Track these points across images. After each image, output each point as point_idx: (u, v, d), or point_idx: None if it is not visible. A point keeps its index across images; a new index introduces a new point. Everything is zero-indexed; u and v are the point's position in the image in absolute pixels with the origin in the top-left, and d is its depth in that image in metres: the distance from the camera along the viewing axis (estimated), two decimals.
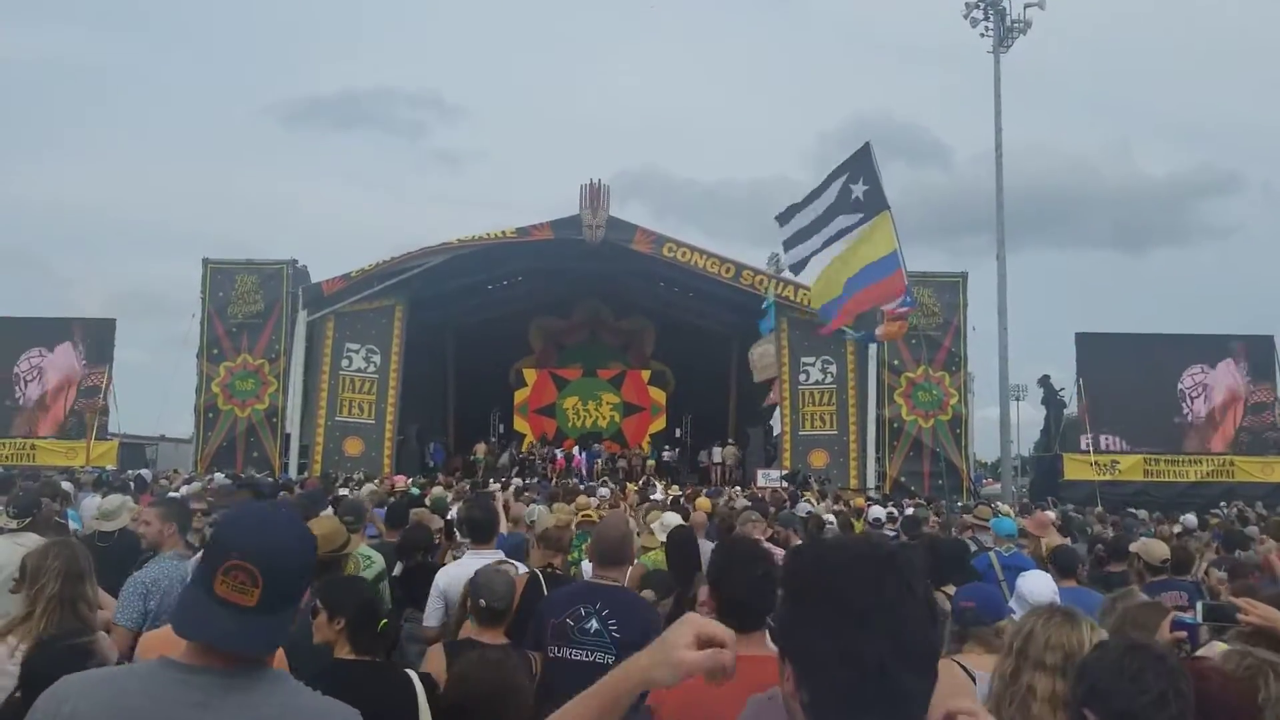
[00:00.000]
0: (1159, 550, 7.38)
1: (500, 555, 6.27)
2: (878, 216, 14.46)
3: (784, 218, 15.48)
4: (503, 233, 29.20)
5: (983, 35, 29.42)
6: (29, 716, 2.00)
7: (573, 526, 5.81)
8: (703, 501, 11.85)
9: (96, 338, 32.19)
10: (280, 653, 3.70)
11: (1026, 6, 28.91)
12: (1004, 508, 17.61)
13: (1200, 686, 2.45)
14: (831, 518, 11.31)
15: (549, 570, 5.35)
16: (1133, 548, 7.47)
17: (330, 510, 7.95)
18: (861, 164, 14.95)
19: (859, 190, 14.78)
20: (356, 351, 29.62)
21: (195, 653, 2.05)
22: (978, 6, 29.36)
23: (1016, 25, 29.13)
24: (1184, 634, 3.04)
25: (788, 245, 15.56)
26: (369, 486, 14.72)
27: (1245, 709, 2.52)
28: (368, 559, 6.16)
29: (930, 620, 1.50)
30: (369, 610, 3.78)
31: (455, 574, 5.55)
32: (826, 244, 14.92)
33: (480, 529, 6.25)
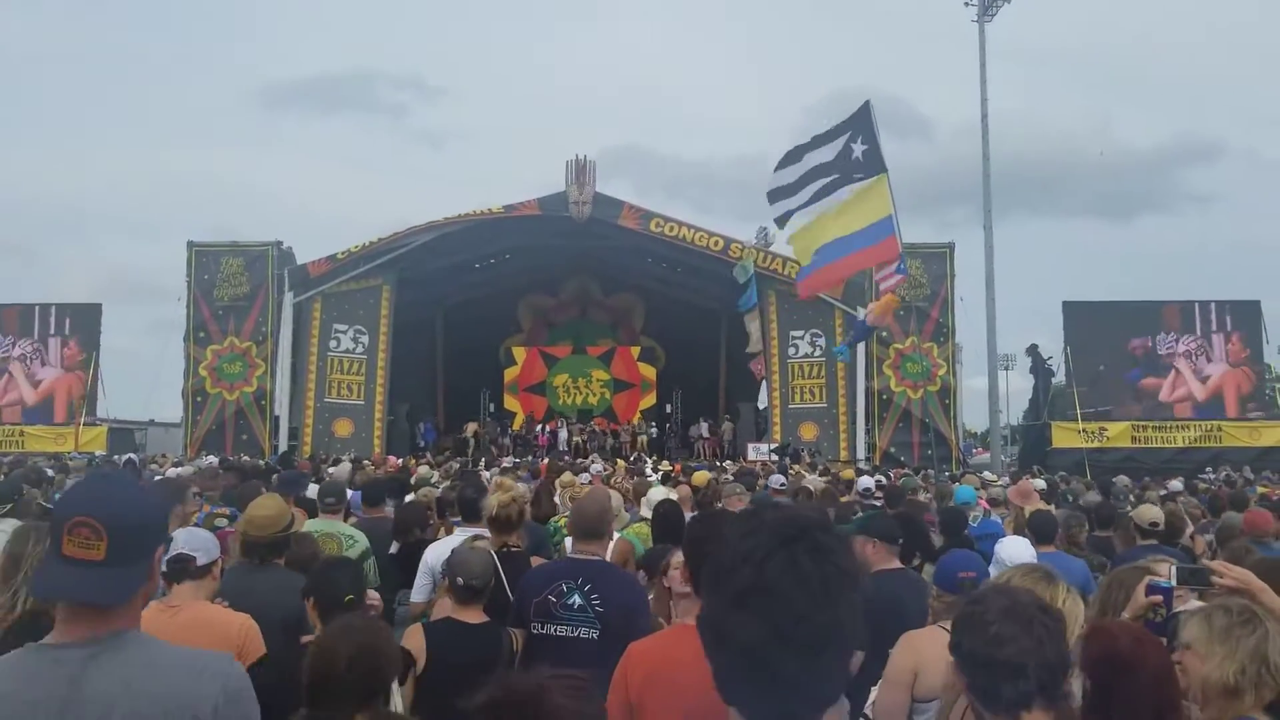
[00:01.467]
0: (1149, 514, 7.47)
1: (486, 533, 6.30)
2: (874, 179, 14.15)
3: (780, 165, 14.97)
4: (489, 210, 29.08)
5: (967, 4, 29.32)
6: None
7: (522, 505, 5.83)
8: (699, 476, 11.81)
9: (83, 323, 32.06)
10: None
11: None
12: (991, 476, 17.73)
13: (1110, 645, 2.47)
14: (812, 488, 11.32)
15: (504, 550, 5.33)
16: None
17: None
18: (862, 123, 14.61)
19: (859, 150, 14.45)
20: (344, 332, 29.54)
21: (59, 631, 2.12)
22: None
23: None
24: (1159, 598, 3.05)
25: (773, 197, 15.05)
26: (345, 465, 14.68)
27: (1158, 666, 2.55)
28: (350, 539, 6.17)
29: (822, 603, 1.43)
30: (329, 588, 3.78)
31: (442, 551, 5.56)
32: (815, 198, 14.50)
33: (470, 507, 6.30)
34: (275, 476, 10.17)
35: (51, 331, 31.89)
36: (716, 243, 29.29)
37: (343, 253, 29.36)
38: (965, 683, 2.23)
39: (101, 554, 2.07)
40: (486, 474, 13.41)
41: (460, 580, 4.29)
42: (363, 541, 6.20)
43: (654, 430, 34.60)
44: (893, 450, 28.89)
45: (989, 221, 28.84)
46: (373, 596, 4.12)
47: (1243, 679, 2.63)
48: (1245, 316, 32.14)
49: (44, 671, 2.08)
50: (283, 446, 27.42)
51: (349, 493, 7.58)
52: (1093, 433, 29.78)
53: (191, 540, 4.15)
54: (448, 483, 10.60)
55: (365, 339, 29.58)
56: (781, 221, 15.46)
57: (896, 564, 5.07)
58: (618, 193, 29.55)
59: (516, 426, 35.08)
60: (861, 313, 28.48)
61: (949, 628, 3.84)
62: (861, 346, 29.02)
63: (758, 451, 27.72)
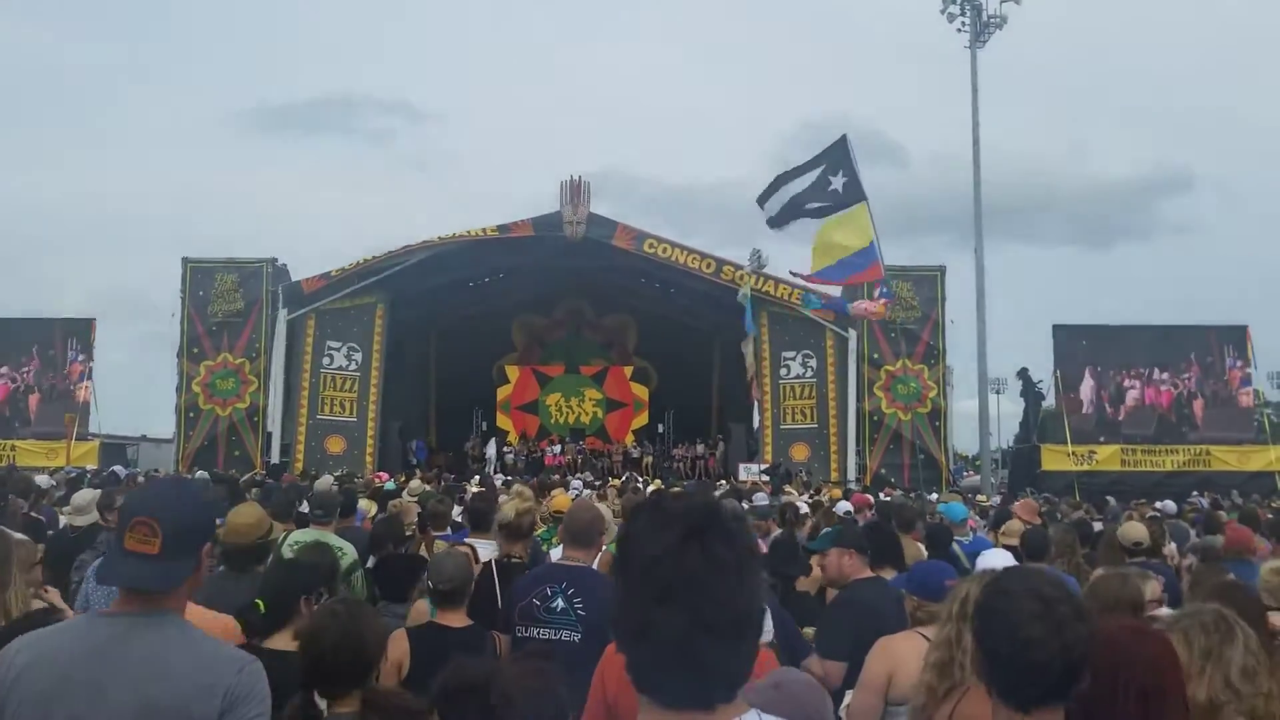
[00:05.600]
0: (1134, 533, 7.57)
1: (495, 546, 6.47)
2: (855, 207, 14.51)
3: (765, 195, 15.39)
4: (483, 230, 29.20)
5: (960, 30, 29.65)
6: None
7: (535, 515, 6.06)
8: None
9: (76, 338, 32.08)
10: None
11: (1003, 1, 29.22)
12: (981, 498, 17.84)
13: (1112, 637, 2.53)
14: (806, 507, 11.41)
15: (507, 560, 5.46)
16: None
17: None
18: (838, 155, 15.01)
19: (838, 183, 14.83)
20: (338, 349, 29.58)
21: (118, 604, 2.57)
22: (954, 2, 29.59)
23: (993, 20, 29.41)
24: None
25: (772, 216, 15.39)
26: (327, 478, 14.75)
27: (1161, 661, 2.58)
28: (340, 550, 6.24)
29: (739, 588, 1.50)
30: (268, 594, 3.83)
31: None
32: (806, 214, 14.88)
33: (480, 518, 6.69)
34: (255, 490, 10.29)
35: (45, 346, 31.91)
36: (709, 265, 29.43)
37: (337, 270, 29.44)
38: (985, 674, 2.28)
39: (156, 549, 2.47)
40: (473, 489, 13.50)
41: (431, 584, 4.40)
42: (352, 553, 6.29)
43: (640, 450, 34.69)
44: (883, 472, 28.94)
45: (980, 243, 29.11)
46: None
47: (1225, 693, 2.72)
48: (1233, 340, 32.36)
49: (96, 630, 2.51)
50: (274, 462, 27.43)
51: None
52: (1082, 455, 29.91)
53: None
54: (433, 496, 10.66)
55: (358, 356, 29.62)
56: (775, 222, 15.69)
57: (869, 573, 5.16)
58: (603, 214, 29.56)
59: (513, 443, 35.13)
60: (854, 336, 28.80)
61: (925, 634, 3.94)
62: (853, 369, 29.19)
63: (748, 471, 27.76)
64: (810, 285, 19.22)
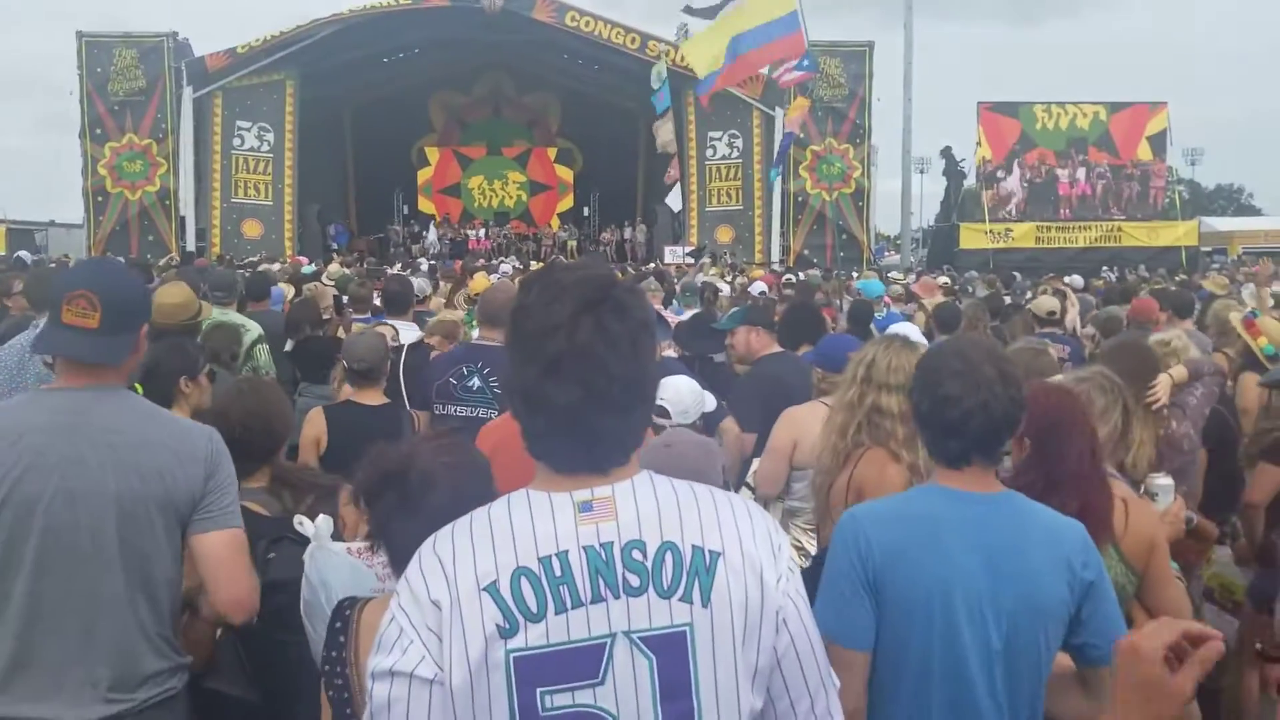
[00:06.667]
0: (1046, 304, 8.20)
1: (415, 328, 6.54)
2: None
3: None
4: (397, 1, 27.77)
5: None
6: None
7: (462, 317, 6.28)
8: None
9: None
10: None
11: None
12: (895, 275, 18.24)
13: (1043, 403, 2.69)
14: (726, 288, 11.59)
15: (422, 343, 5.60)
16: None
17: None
18: None
19: None
20: (248, 130, 28.45)
21: (60, 381, 2.53)
22: None
23: None
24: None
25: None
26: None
27: (1067, 415, 2.78)
28: (244, 328, 6.25)
29: (632, 360, 1.54)
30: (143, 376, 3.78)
31: None
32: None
33: (395, 301, 6.95)
34: (175, 271, 10.12)
35: None
36: (634, 40, 28.47)
37: (243, 46, 27.91)
38: (920, 432, 2.41)
39: (95, 323, 2.41)
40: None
41: (346, 363, 4.46)
42: (255, 330, 6.28)
43: (576, 235, 34.49)
44: (806, 253, 29.29)
45: (909, 18, 28.46)
46: None
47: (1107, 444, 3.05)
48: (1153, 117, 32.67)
49: (54, 403, 2.47)
50: (190, 247, 26.79)
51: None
52: (999, 233, 30.53)
53: None
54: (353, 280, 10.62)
55: (270, 137, 28.56)
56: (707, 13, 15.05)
57: (777, 348, 5.30)
58: None
59: (435, 228, 34.63)
60: (781, 115, 28.36)
61: (829, 403, 4.12)
62: (778, 149, 28.93)
63: (674, 254, 27.85)
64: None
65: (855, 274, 22.14)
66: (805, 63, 14.85)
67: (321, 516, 2.52)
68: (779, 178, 27.88)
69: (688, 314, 8.06)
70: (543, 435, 1.58)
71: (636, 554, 1.54)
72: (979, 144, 32.33)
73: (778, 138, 29.04)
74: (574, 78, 33.57)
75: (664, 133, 27.79)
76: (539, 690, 1.49)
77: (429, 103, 36.09)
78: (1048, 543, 2.19)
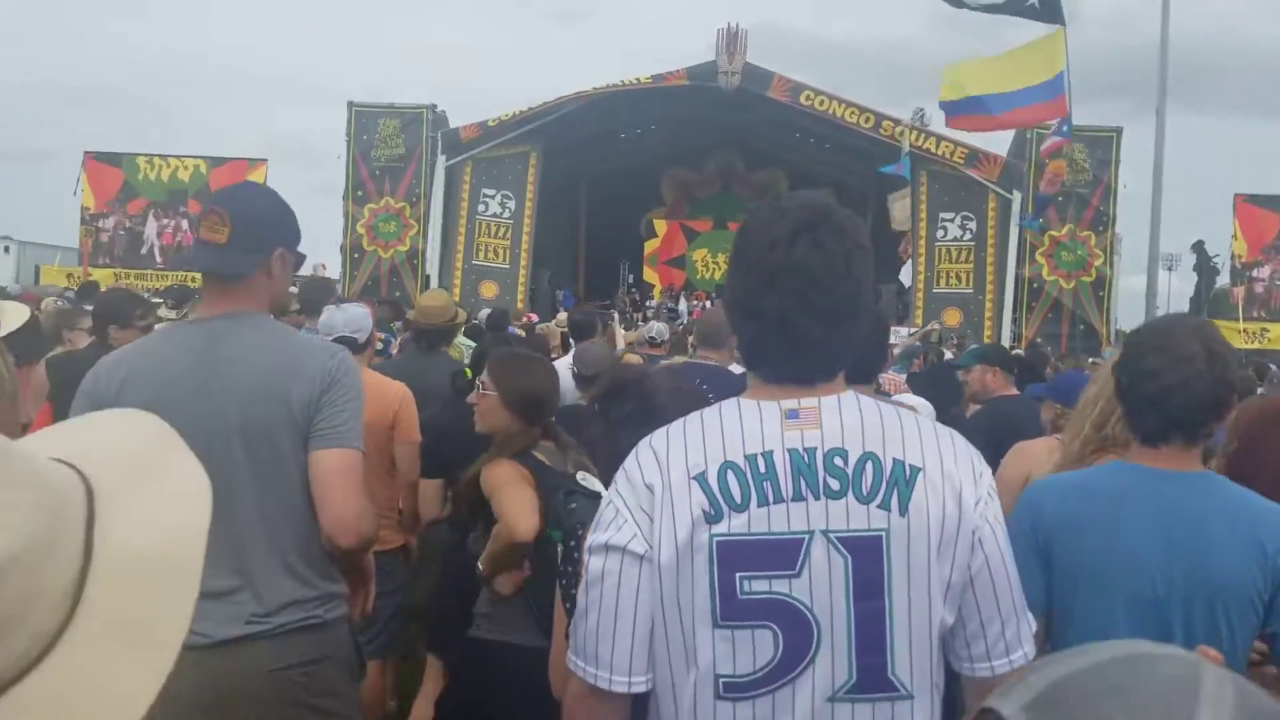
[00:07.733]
0: None
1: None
2: (1050, 32, 13.47)
3: None
4: (637, 80, 28.93)
5: None
6: (86, 385, 2.53)
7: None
8: None
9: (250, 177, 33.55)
10: None
11: None
12: None
13: (1260, 407, 2.53)
14: (949, 353, 11.28)
15: None
16: None
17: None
18: None
19: None
20: (492, 197, 30.13)
21: (202, 309, 2.70)
22: None
23: None
24: None
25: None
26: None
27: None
28: (470, 348, 6.75)
29: (845, 276, 1.63)
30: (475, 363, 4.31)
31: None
32: (985, 8, 13.70)
33: (579, 330, 7.70)
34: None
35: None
36: (868, 119, 28.43)
37: (493, 120, 29.75)
38: (1120, 406, 2.39)
39: (225, 238, 2.54)
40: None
41: (576, 369, 4.85)
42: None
43: None
44: (1039, 341, 27.99)
45: (1162, 104, 27.10)
46: None
47: None
48: None
49: (189, 334, 2.64)
50: None
51: None
52: (1254, 333, 28.36)
53: (350, 322, 4.52)
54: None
55: (512, 204, 30.13)
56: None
57: (1014, 390, 5.16)
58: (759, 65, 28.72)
59: (656, 298, 35.48)
60: (1018, 198, 27.54)
61: (1063, 439, 3.93)
62: (1014, 233, 28.02)
63: (897, 335, 27.29)
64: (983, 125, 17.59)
65: (1093, 360, 21.09)
66: (1065, 128, 14.33)
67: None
68: (1034, 228, 26.73)
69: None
70: (757, 345, 1.70)
71: (838, 460, 1.63)
72: (1234, 237, 30.32)
73: (1013, 222, 28.20)
74: (804, 155, 33.88)
75: (900, 209, 27.54)
76: (738, 574, 1.60)
77: (661, 178, 37.25)
78: (1237, 519, 2.10)
